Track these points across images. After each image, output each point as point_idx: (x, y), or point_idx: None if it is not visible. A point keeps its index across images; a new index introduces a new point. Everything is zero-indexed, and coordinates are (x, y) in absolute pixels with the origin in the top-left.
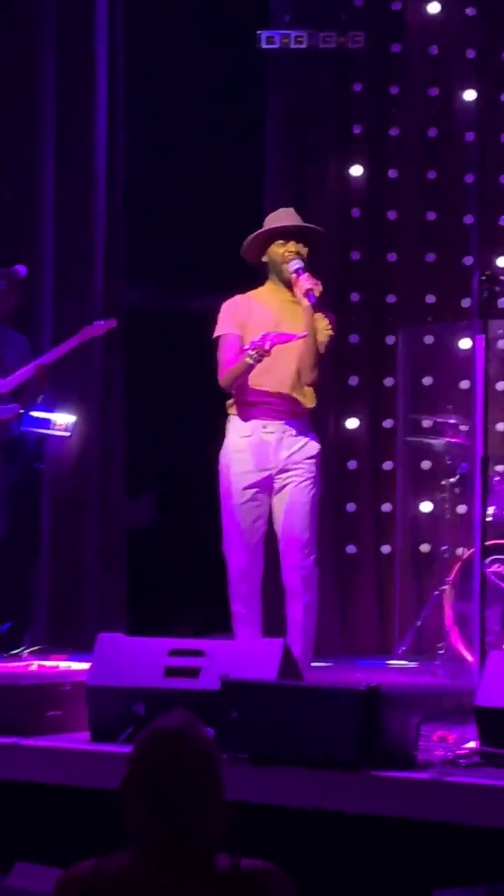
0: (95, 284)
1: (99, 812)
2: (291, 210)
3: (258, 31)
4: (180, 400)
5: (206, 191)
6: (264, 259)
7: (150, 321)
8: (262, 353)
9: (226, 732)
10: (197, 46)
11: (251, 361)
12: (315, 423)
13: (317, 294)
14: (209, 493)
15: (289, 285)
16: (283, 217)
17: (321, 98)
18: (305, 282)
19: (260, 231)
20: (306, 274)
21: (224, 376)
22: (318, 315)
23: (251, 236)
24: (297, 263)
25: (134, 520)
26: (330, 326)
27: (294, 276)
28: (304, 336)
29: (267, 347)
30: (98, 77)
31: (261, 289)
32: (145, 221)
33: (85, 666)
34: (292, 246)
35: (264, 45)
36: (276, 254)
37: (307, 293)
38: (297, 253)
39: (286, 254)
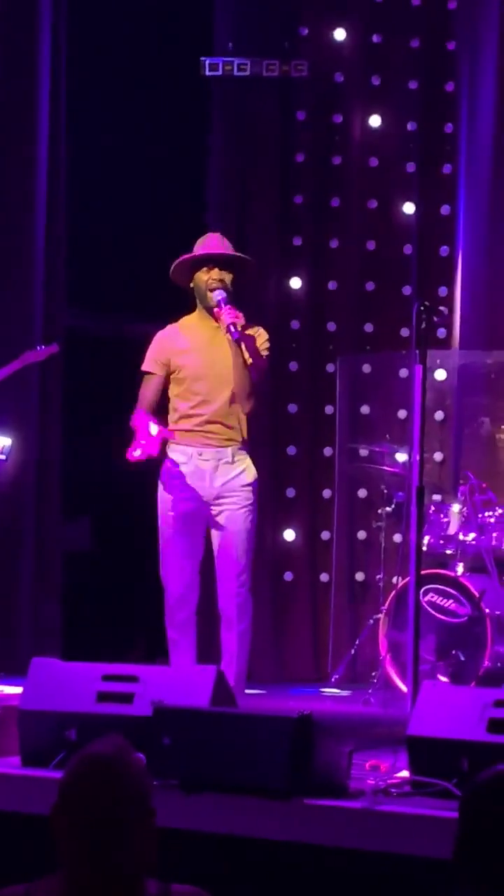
0: (35, 309)
1: (30, 838)
2: (219, 235)
3: (202, 58)
4: (117, 424)
5: (147, 216)
6: (191, 285)
7: (88, 345)
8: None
9: (157, 759)
10: (140, 73)
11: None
12: (253, 450)
13: (239, 328)
14: (146, 518)
15: (213, 312)
16: (210, 243)
17: (264, 126)
18: (227, 316)
19: (184, 258)
20: (228, 306)
21: (132, 423)
22: (258, 331)
23: (176, 262)
24: (219, 294)
25: (69, 544)
26: (267, 343)
27: (216, 309)
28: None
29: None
30: (39, 102)
31: (190, 316)
32: (85, 247)
33: (18, 690)
34: (216, 273)
35: (207, 73)
36: (201, 280)
37: (229, 328)
38: (221, 281)
39: (210, 282)
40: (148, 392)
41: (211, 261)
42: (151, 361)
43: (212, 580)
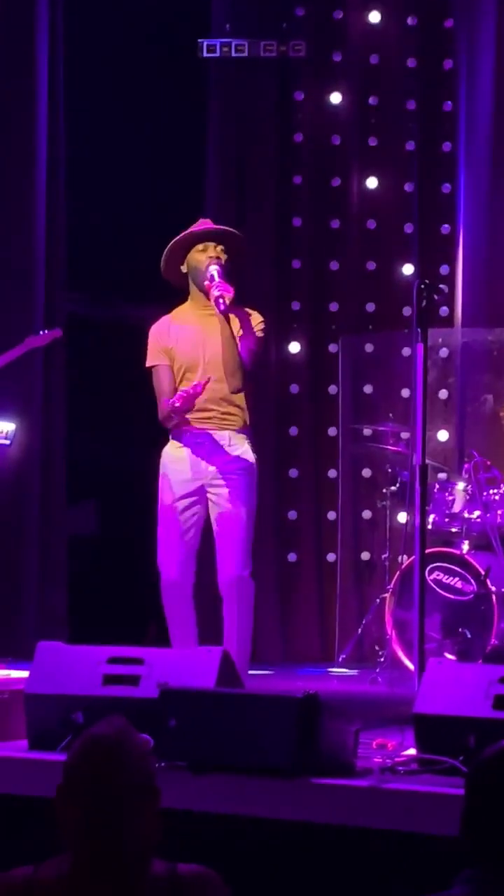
0: (36, 294)
1: (37, 820)
2: (208, 221)
3: (199, 40)
4: (121, 408)
5: (147, 200)
6: (184, 269)
7: (90, 330)
8: (186, 411)
9: (164, 740)
10: (138, 55)
11: (177, 417)
12: (256, 432)
13: (227, 301)
14: (151, 501)
15: (206, 289)
16: (200, 224)
17: (262, 106)
18: (215, 289)
19: (178, 237)
20: (218, 281)
21: (161, 417)
22: (253, 313)
23: (170, 245)
24: (214, 268)
25: (75, 528)
26: (262, 323)
27: (207, 282)
28: (207, 382)
29: (181, 408)
30: (38, 87)
31: (181, 307)
32: (85, 231)
33: (24, 674)
34: (211, 250)
35: (205, 54)
36: (197, 260)
37: (216, 301)
38: (217, 258)
39: (206, 259)
40: (163, 383)
41: (204, 238)
42: (154, 353)
43: (213, 563)
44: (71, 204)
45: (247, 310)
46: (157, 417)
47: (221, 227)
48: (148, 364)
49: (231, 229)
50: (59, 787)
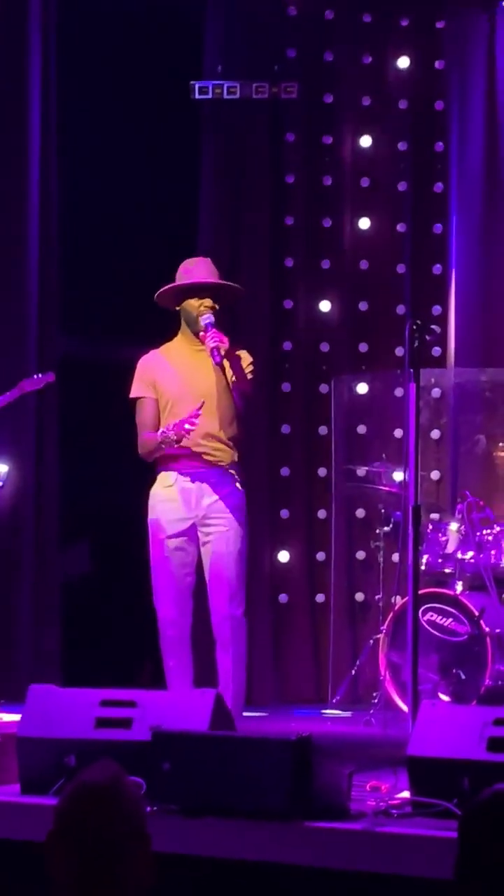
0: (29, 337)
1: (29, 865)
2: (208, 261)
3: (191, 82)
4: (114, 449)
5: (141, 240)
6: (178, 308)
7: (83, 371)
8: (177, 440)
9: (157, 783)
10: (130, 97)
11: (165, 447)
12: (248, 471)
13: (222, 352)
14: (144, 542)
15: (200, 336)
16: (199, 269)
17: (254, 148)
18: (211, 340)
19: (174, 286)
20: (213, 330)
21: (142, 450)
22: (242, 353)
23: (165, 288)
24: (207, 318)
25: (69, 569)
26: (251, 365)
27: (202, 332)
28: (201, 405)
29: (174, 437)
30: (31, 128)
31: (172, 341)
32: (79, 272)
33: (16, 717)
34: (208, 302)
35: (197, 96)
36: (192, 307)
37: (212, 352)
38: (212, 307)
39: (201, 308)
40: (146, 416)
41: (203, 290)
42: (140, 385)
43: (207, 603)
44: (64, 245)
45: (237, 352)
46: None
47: (220, 281)
48: (132, 395)
49: (230, 284)
50: (51, 833)
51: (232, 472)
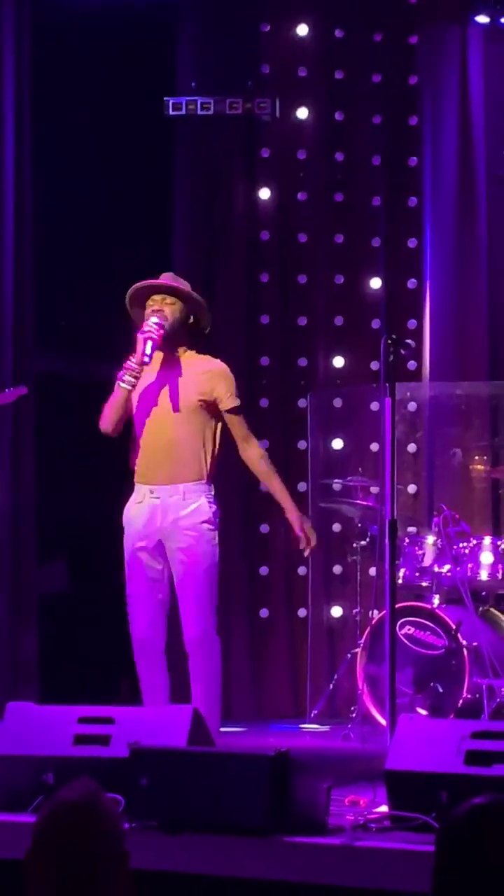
0: (5, 353)
1: (7, 883)
2: (171, 274)
3: (165, 98)
4: (91, 466)
5: (115, 256)
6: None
7: (59, 387)
8: (133, 374)
9: (135, 800)
10: (104, 113)
11: (127, 386)
12: (226, 488)
13: (150, 344)
14: (121, 559)
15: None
16: (160, 278)
17: (228, 164)
18: (143, 330)
19: (134, 287)
20: (147, 322)
21: (102, 420)
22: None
23: (126, 300)
24: (153, 318)
25: (45, 586)
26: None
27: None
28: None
29: (132, 365)
30: (4, 145)
31: None
32: (54, 289)
33: None
34: (158, 304)
35: (171, 112)
36: (145, 315)
37: (143, 342)
38: (160, 310)
39: (149, 310)
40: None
41: (151, 292)
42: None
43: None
44: (38, 262)
45: (213, 373)
46: (124, 472)
47: (159, 280)
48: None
49: (167, 283)
50: (29, 851)
51: (199, 485)
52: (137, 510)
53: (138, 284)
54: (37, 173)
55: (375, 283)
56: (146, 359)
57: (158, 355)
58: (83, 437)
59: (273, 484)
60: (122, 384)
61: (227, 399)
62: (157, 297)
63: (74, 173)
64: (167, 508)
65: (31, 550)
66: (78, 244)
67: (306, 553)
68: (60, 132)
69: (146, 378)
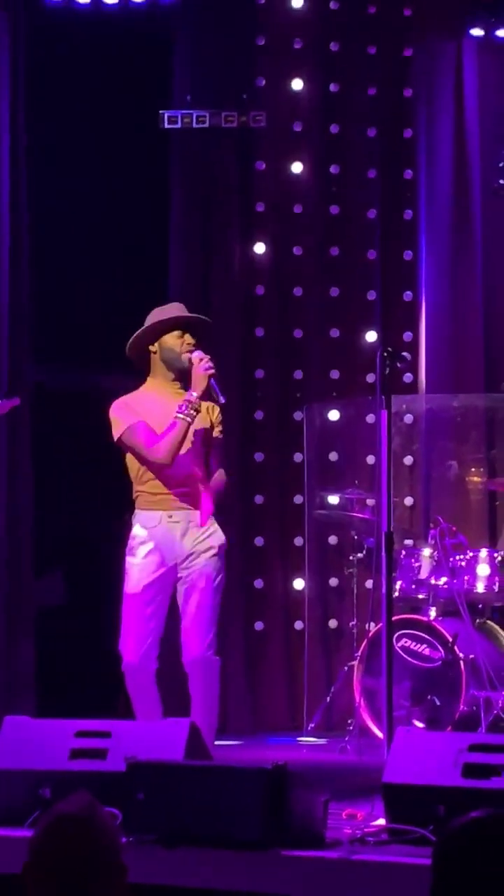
0: (0, 363)
1: None
2: (181, 305)
3: (160, 111)
4: (89, 478)
5: (111, 270)
6: (153, 349)
7: (56, 400)
8: (195, 408)
9: (133, 814)
10: (99, 126)
11: (189, 420)
12: (222, 500)
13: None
14: (118, 572)
15: (179, 376)
16: (173, 308)
17: (223, 176)
18: (205, 366)
19: (155, 322)
20: (204, 358)
21: (160, 451)
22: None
23: (145, 328)
24: (199, 352)
25: (42, 599)
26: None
27: (200, 369)
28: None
29: (195, 399)
30: (0, 157)
31: (143, 387)
32: (50, 302)
33: None
34: (189, 338)
35: (166, 125)
36: (173, 344)
37: (209, 381)
38: (192, 344)
39: (185, 346)
40: (146, 436)
41: (183, 326)
42: (130, 415)
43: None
44: (34, 275)
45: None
46: (123, 488)
47: (198, 316)
48: (122, 427)
49: (204, 318)
50: (26, 865)
51: (215, 512)
52: (150, 535)
53: (176, 316)
54: (33, 185)
55: (371, 295)
56: (222, 399)
57: (170, 384)
58: (81, 450)
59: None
60: (186, 419)
61: (219, 427)
62: (178, 332)
63: (70, 186)
64: (185, 533)
65: (28, 563)
66: (74, 256)
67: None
68: (56, 146)
69: (164, 399)
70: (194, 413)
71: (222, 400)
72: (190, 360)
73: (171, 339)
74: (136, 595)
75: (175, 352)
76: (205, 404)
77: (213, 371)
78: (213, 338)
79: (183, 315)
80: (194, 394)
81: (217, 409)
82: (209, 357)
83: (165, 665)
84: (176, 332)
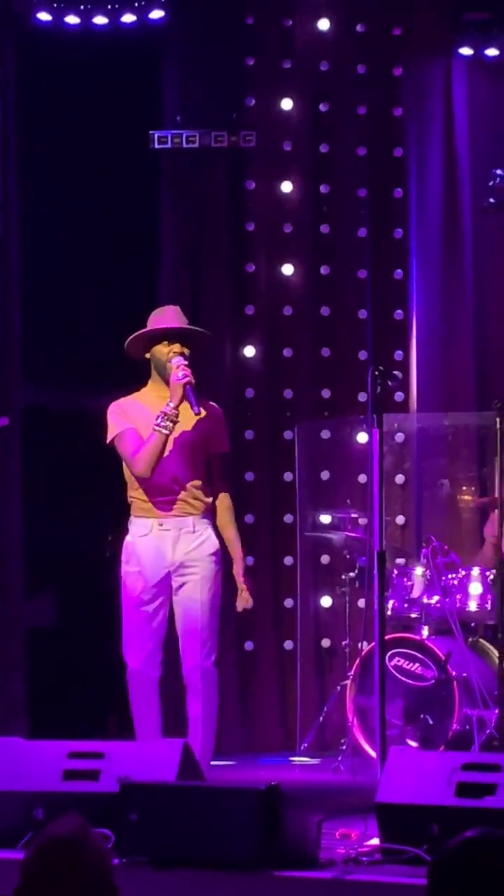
0: None
1: None
2: (177, 309)
3: (150, 132)
4: (79, 499)
5: (102, 290)
6: (147, 356)
7: (47, 420)
8: (172, 419)
9: (125, 835)
10: (90, 147)
11: (166, 432)
12: (212, 521)
13: (191, 385)
14: (109, 593)
15: (171, 382)
16: (168, 315)
17: (214, 196)
18: (180, 373)
19: (143, 331)
20: (182, 366)
21: (140, 464)
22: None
23: (134, 336)
24: (178, 360)
25: (33, 620)
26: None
27: (174, 379)
28: (198, 413)
29: (170, 410)
30: None
31: (143, 389)
32: (40, 321)
33: None
34: (177, 347)
35: (157, 146)
36: (161, 354)
37: (184, 389)
38: (181, 353)
39: (170, 353)
40: (134, 444)
41: (171, 335)
42: (122, 421)
43: (177, 650)
44: (25, 294)
45: (211, 409)
46: (114, 508)
47: (186, 326)
48: (113, 433)
49: (197, 328)
50: (17, 889)
51: (206, 520)
52: (143, 544)
53: (160, 328)
54: (23, 205)
55: (362, 314)
56: (196, 409)
57: (162, 391)
58: (71, 470)
59: (230, 532)
60: (163, 430)
61: (222, 442)
62: (173, 342)
63: (61, 205)
64: (178, 540)
65: (18, 584)
66: (65, 275)
67: (239, 609)
68: (46, 165)
69: (148, 412)
70: (171, 424)
71: (196, 411)
72: (172, 366)
73: (161, 347)
74: (133, 602)
75: (162, 361)
76: (207, 414)
77: (188, 380)
78: (204, 355)
79: (171, 327)
80: (171, 404)
81: (219, 421)
82: (186, 365)
83: (163, 682)
84: (164, 342)
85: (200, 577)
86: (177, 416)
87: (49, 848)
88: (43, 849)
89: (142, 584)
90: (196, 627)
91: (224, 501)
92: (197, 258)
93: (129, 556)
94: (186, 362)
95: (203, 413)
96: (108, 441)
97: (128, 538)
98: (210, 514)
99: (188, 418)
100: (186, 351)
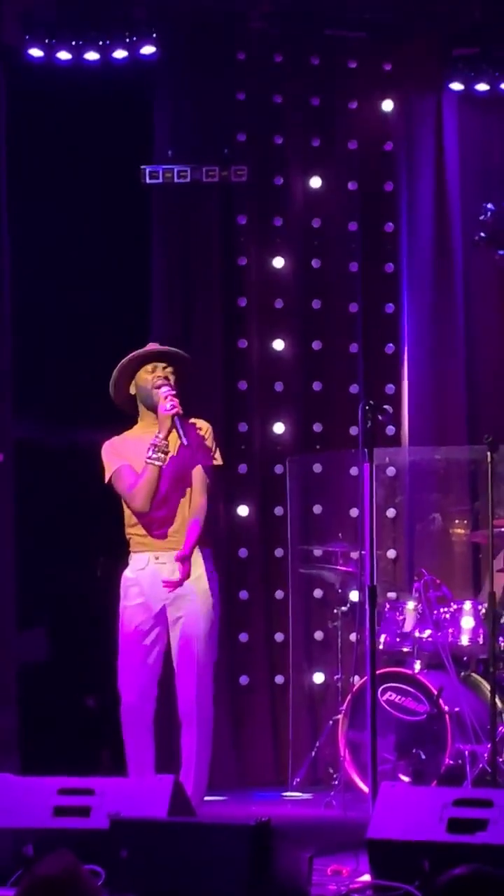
0: None
1: None
2: (155, 343)
3: (142, 167)
4: (72, 534)
5: (94, 326)
6: (132, 391)
7: (40, 456)
8: (163, 450)
9: (116, 871)
10: (81, 182)
11: (159, 464)
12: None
13: (179, 411)
14: (102, 628)
15: (157, 409)
16: (148, 347)
17: (206, 231)
18: (168, 404)
19: (126, 358)
20: (170, 395)
21: (137, 499)
22: (199, 423)
23: (119, 367)
24: (166, 390)
25: (25, 654)
26: (217, 450)
27: (159, 392)
28: (187, 444)
29: (160, 441)
30: None
31: (133, 429)
32: (32, 357)
33: None
34: (160, 371)
35: (148, 181)
36: (145, 380)
37: (172, 409)
38: (165, 378)
39: (154, 379)
40: (131, 479)
41: (151, 359)
42: (114, 459)
43: (172, 685)
44: (16, 329)
45: (196, 425)
46: (106, 543)
47: (167, 347)
48: (110, 471)
49: (176, 350)
50: None
51: (205, 551)
52: (140, 577)
53: (143, 350)
54: (14, 240)
55: (353, 348)
56: (185, 441)
57: (153, 426)
58: (63, 504)
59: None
60: (156, 462)
61: (206, 456)
62: (150, 367)
63: (52, 240)
64: (174, 573)
65: (10, 619)
66: (56, 310)
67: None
68: (37, 200)
69: (141, 447)
70: (163, 455)
71: (184, 442)
72: (158, 393)
73: (144, 374)
74: (129, 636)
75: (147, 388)
76: (201, 424)
77: (177, 410)
78: (195, 389)
79: (154, 348)
80: (160, 435)
81: (205, 429)
82: (174, 395)
83: (156, 717)
84: (148, 367)
85: (197, 610)
86: (167, 446)
87: (38, 886)
88: (32, 887)
89: (138, 621)
90: (192, 659)
91: (204, 501)
92: (189, 292)
93: (127, 590)
94: (174, 391)
95: (185, 443)
96: (106, 480)
97: (126, 572)
98: (208, 542)
99: (177, 448)
100: (171, 376)
